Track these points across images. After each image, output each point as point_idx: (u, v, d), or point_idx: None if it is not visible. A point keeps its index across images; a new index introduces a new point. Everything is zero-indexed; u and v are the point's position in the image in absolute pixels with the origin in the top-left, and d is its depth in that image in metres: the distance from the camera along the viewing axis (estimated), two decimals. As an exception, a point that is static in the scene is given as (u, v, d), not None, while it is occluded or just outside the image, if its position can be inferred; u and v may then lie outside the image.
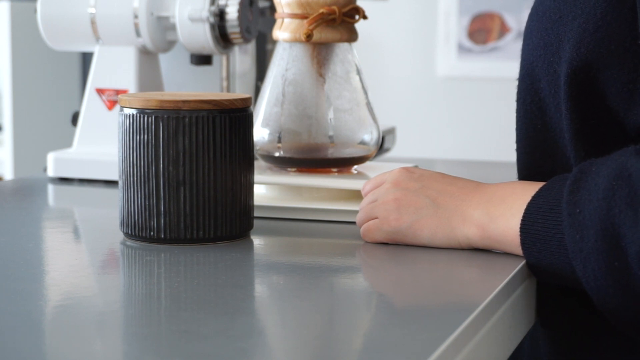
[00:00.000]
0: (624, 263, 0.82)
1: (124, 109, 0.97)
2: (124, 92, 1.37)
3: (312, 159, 1.12)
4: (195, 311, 0.78)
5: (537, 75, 0.98)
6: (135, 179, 0.97)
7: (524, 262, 0.90)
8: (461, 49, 3.15)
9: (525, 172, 1.02)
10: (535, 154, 1.00)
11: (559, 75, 0.94)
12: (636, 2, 0.90)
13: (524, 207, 0.89)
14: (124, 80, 1.37)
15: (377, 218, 0.97)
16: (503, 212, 0.91)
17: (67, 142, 1.49)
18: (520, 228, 0.89)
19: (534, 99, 0.99)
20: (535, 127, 0.99)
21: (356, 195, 1.10)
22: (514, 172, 1.05)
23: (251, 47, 1.49)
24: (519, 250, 0.90)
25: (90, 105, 1.38)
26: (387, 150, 1.53)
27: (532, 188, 0.90)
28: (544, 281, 0.93)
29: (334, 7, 1.09)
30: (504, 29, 3.11)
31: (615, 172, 0.84)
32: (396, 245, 0.97)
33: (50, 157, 1.37)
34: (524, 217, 0.89)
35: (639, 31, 0.90)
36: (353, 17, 1.11)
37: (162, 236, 0.96)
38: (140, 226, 0.97)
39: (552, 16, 0.96)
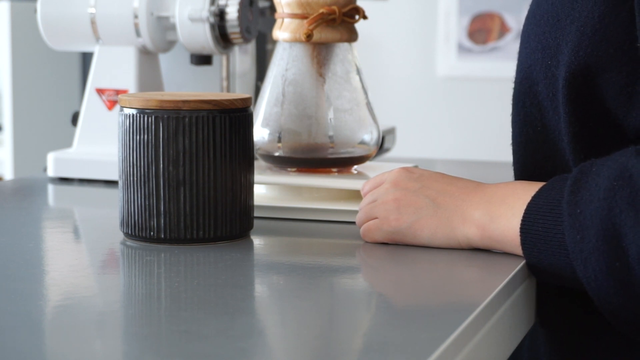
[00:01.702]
0: (625, 263, 0.82)
1: (124, 109, 0.97)
2: (124, 92, 1.36)
3: (312, 159, 1.12)
4: (195, 311, 0.78)
5: (535, 78, 0.97)
6: (135, 179, 0.97)
7: (524, 262, 0.90)
8: (461, 49, 3.14)
9: (524, 174, 1.02)
10: (535, 157, 1.00)
11: (557, 79, 0.94)
12: (634, 5, 0.90)
13: (525, 207, 0.89)
14: (124, 80, 1.37)
15: (376, 218, 0.97)
16: (504, 212, 0.91)
17: (67, 142, 1.49)
18: (521, 228, 0.89)
19: (533, 102, 0.99)
20: (536, 129, 0.99)
21: (356, 195, 1.10)
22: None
23: (251, 47, 1.49)
24: (519, 250, 0.90)
25: (90, 105, 1.38)
26: (387, 150, 1.53)
27: (532, 188, 0.90)
28: (544, 281, 0.93)
29: (334, 7, 1.09)
30: (504, 29, 3.11)
31: (616, 173, 0.84)
32: (396, 245, 0.97)
33: (50, 157, 1.36)
34: (524, 217, 0.89)
35: (637, 34, 0.90)
36: (353, 17, 1.11)
37: (162, 236, 0.96)
38: (140, 226, 0.97)
39: (549, 20, 0.96)
